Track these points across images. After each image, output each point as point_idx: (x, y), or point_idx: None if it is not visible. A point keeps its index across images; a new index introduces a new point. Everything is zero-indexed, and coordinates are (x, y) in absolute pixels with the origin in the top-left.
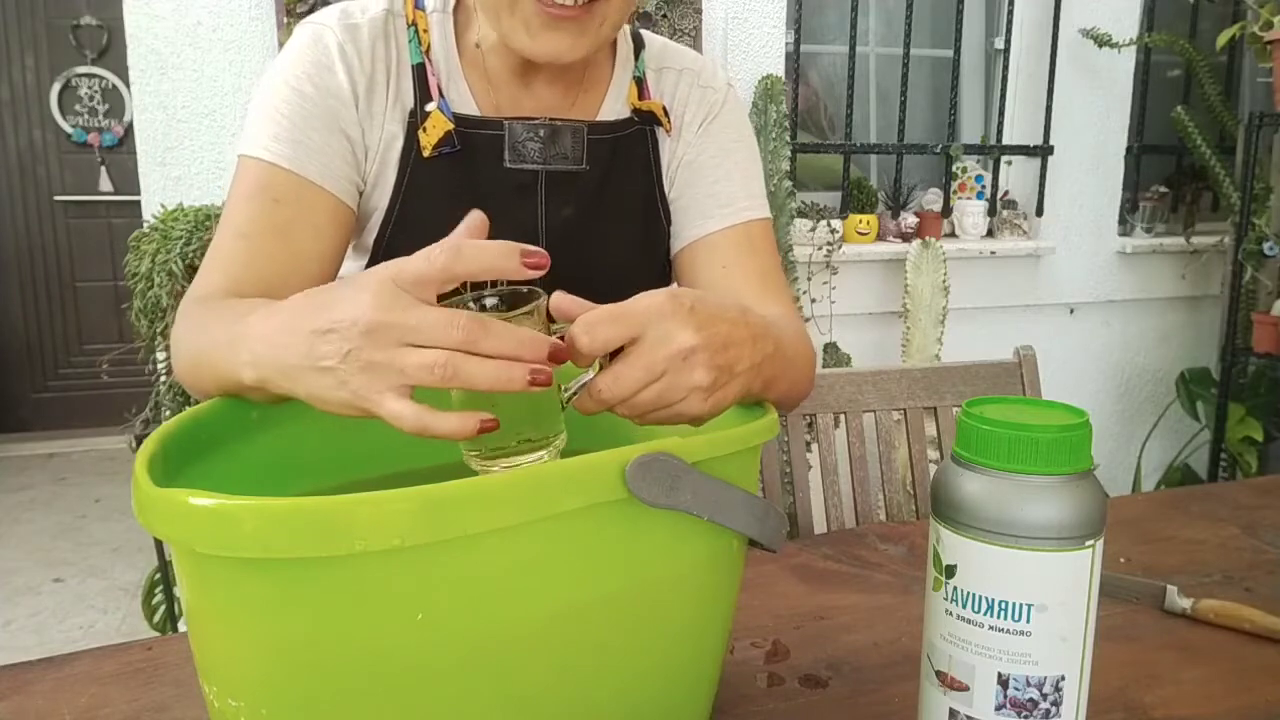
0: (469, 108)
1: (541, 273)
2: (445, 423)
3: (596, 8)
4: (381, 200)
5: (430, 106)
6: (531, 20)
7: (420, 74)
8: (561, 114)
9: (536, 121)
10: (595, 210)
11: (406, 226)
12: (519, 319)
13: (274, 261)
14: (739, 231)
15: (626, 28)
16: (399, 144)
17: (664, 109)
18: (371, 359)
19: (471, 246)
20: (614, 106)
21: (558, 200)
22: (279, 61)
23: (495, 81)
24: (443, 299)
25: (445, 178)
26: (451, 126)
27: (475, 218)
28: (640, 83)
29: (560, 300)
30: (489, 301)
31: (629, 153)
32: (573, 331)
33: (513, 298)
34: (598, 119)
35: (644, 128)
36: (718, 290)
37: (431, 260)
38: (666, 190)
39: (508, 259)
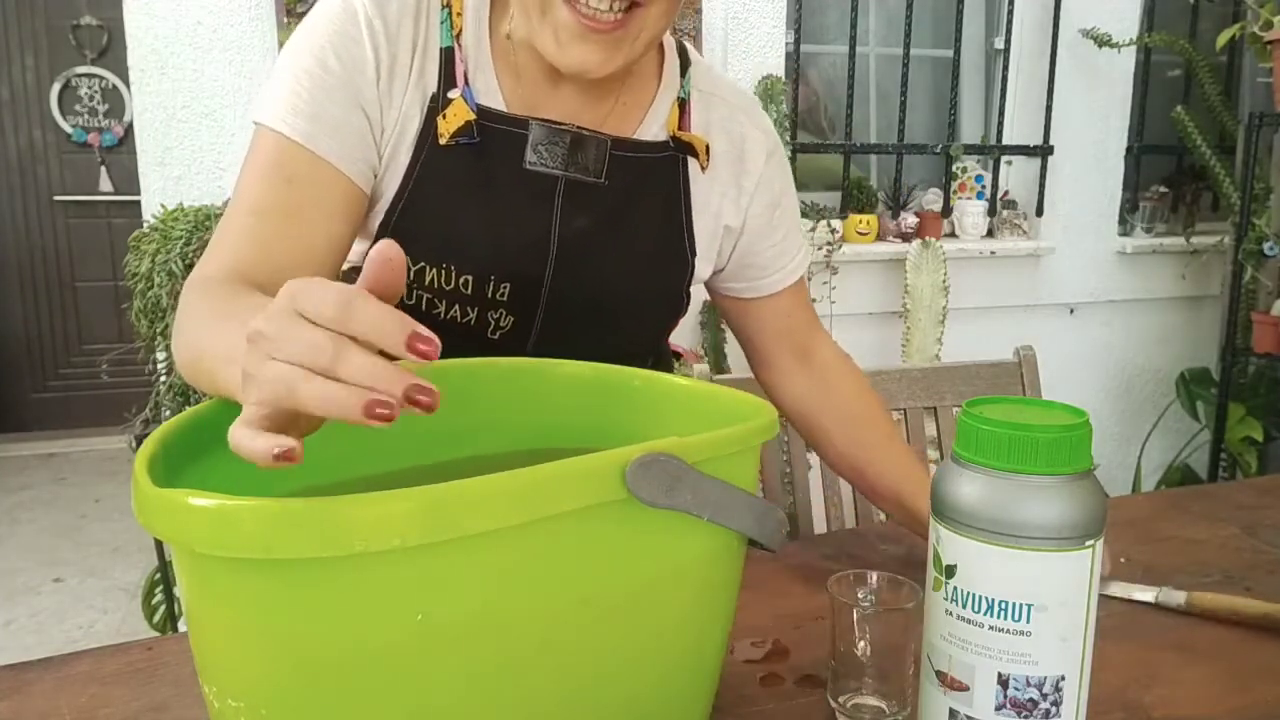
0: (494, 101)
1: (427, 363)
2: (251, 444)
3: (634, 19)
4: (390, 185)
5: (453, 93)
6: (561, 30)
7: (448, 58)
8: (591, 123)
9: (563, 127)
10: (611, 226)
11: (415, 213)
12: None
13: (284, 243)
14: (799, 287)
15: (673, 42)
16: (414, 127)
17: (706, 147)
18: (246, 370)
19: (366, 311)
20: (652, 128)
21: (573, 209)
22: (306, 26)
23: (523, 77)
24: None
25: (461, 168)
26: (473, 117)
27: (385, 248)
28: (684, 104)
29: None
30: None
31: (655, 176)
32: None
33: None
34: (633, 137)
35: (677, 156)
36: (781, 338)
37: (320, 309)
38: (694, 222)
39: (395, 336)
